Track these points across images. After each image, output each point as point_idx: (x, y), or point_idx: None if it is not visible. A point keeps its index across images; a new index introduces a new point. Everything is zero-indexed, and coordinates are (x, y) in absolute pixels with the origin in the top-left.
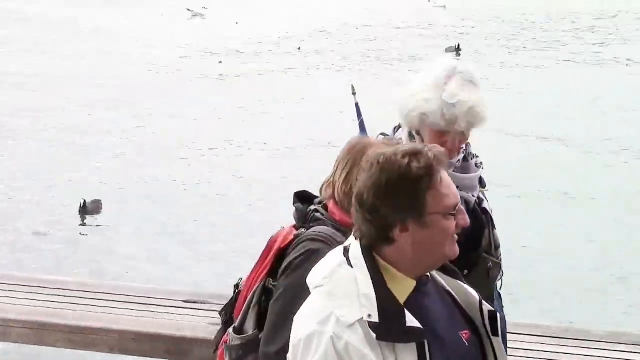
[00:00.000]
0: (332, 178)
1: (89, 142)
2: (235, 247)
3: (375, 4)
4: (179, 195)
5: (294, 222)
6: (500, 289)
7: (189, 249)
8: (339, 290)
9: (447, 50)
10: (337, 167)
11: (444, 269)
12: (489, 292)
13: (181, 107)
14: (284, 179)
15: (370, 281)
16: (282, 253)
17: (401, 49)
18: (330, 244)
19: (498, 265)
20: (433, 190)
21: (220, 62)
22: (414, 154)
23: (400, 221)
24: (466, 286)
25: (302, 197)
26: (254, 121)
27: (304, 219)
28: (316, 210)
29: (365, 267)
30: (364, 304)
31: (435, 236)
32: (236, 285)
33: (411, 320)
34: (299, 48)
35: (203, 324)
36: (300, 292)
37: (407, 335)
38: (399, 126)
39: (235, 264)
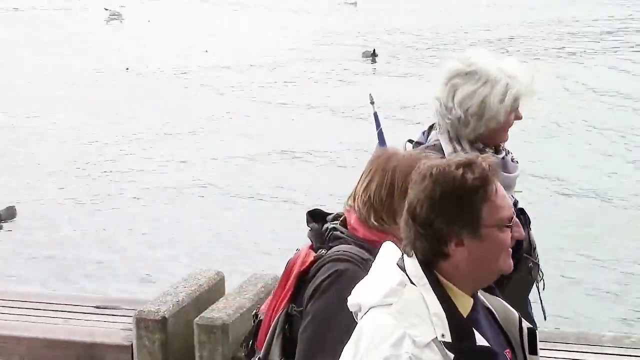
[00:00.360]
0: (355, 190)
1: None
2: (152, 254)
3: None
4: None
5: (309, 243)
6: (543, 290)
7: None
8: (409, 310)
9: (364, 55)
10: (361, 176)
11: None
12: (527, 294)
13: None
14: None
15: (437, 300)
16: (303, 277)
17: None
18: (357, 263)
19: (537, 266)
20: (488, 203)
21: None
22: (468, 165)
23: (455, 235)
24: (504, 303)
25: (315, 216)
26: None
27: (321, 239)
28: (334, 229)
29: (429, 285)
30: (437, 323)
31: (491, 250)
32: (255, 315)
33: (480, 340)
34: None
35: (116, 330)
36: (331, 317)
37: (480, 355)
38: (430, 129)
39: (151, 269)
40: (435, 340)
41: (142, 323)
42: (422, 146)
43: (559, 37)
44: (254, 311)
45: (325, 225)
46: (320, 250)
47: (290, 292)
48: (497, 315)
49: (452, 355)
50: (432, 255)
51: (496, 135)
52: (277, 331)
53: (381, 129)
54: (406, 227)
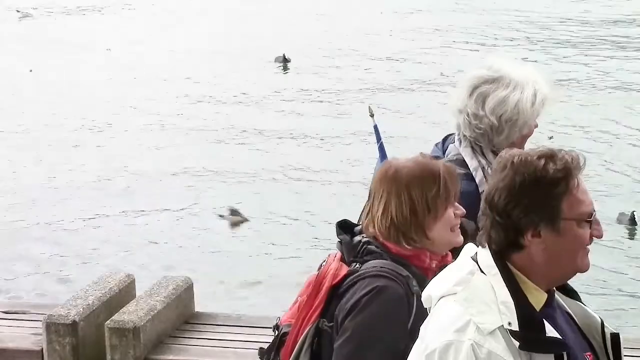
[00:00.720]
0: (369, 214)
1: None
2: (59, 258)
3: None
4: None
5: (335, 255)
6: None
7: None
8: (477, 297)
9: (276, 60)
10: (373, 200)
11: (563, 289)
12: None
13: None
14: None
15: (507, 289)
16: (334, 291)
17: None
18: (396, 279)
19: None
20: (569, 196)
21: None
22: (550, 157)
23: (532, 226)
24: (587, 308)
25: (344, 227)
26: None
27: (354, 252)
28: (369, 243)
29: (500, 275)
30: (504, 312)
31: (568, 245)
32: (276, 327)
33: (550, 331)
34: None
35: (26, 335)
36: (372, 334)
37: (548, 346)
38: (445, 139)
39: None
40: (500, 328)
41: (52, 327)
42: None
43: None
44: (275, 323)
45: (357, 238)
46: (354, 265)
47: (321, 306)
48: (577, 320)
49: (517, 344)
50: (506, 246)
51: (522, 143)
52: (305, 346)
53: (382, 142)
54: (483, 216)
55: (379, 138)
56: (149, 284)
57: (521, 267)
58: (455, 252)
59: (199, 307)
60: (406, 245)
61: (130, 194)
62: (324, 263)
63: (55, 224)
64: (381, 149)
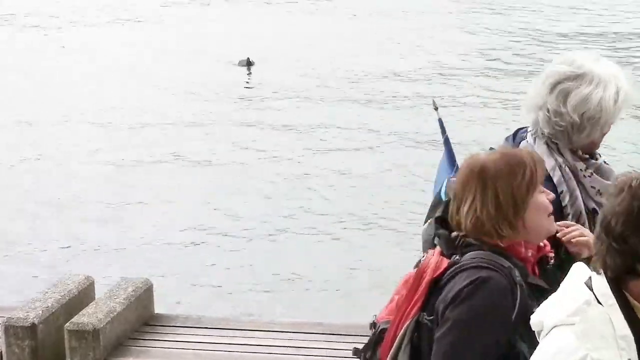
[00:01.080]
0: (459, 211)
1: None
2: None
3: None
4: None
5: (434, 250)
6: None
7: None
8: (594, 331)
9: (240, 64)
10: (461, 196)
11: None
12: None
13: None
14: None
15: (625, 321)
16: (435, 284)
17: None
18: (499, 270)
19: None
20: None
21: None
22: None
23: None
24: None
25: (441, 222)
26: None
27: (452, 245)
28: (465, 236)
29: (617, 306)
30: (623, 347)
31: None
32: (373, 324)
33: None
34: None
35: None
36: (476, 325)
37: None
38: (516, 134)
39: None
40: None
41: (10, 330)
42: None
43: None
44: (372, 320)
45: (455, 233)
46: (454, 257)
47: (422, 300)
48: None
49: None
50: (623, 273)
51: (600, 141)
52: (405, 341)
53: (447, 135)
54: (597, 241)
55: (443, 131)
56: (108, 286)
57: (639, 295)
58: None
59: (159, 308)
60: (500, 239)
61: (88, 197)
62: (423, 259)
63: (10, 226)
64: (446, 142)
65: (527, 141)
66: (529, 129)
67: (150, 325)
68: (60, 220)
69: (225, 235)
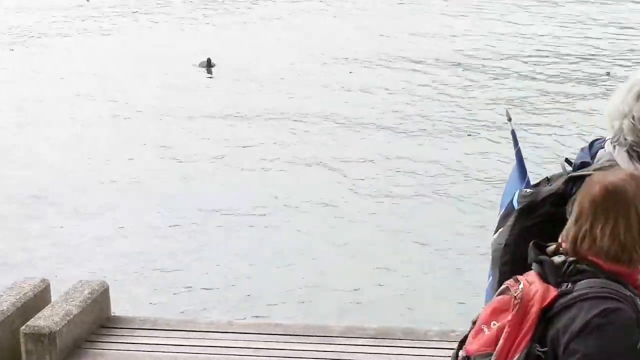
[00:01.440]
0: (589, 232)
1: None
2: None
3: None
4: None
5: (527, 277)
6: None
7: None
8: None
9: (200, 65)
10: (589, 220)
11: None
12: None
13: None
14: None
15: None
16: (544, 314)
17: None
18: (622, 300)
19: None
20: None
21: None
22: None
23: None
24: None
25: (538, 247)
26: None
27: (559, 272)
28: (576, 262)
29: None
30: None
31: None
32: (467, 358)
33: None
34: None
35: None
36: (604, 357)
37: None
38: (592, 145)
39: None
40: None
41: None
42: (591, 167)
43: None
44: (462, 355)
45: (559, 259)
46: (565, 285)
47: (532, 331)
48: None
49: None
50: None
51: None
52: None
53: (519, 147)
54: None
55: (516, 143)
56: (64, 289)
57: None
58: None
59: (116, 311)
60: (629, 265)
61: (45, 199)
62: (514, 287)
63: None
64: (518, 154)
65: (606, 149)
66: (607, 138)
67: (107, 327)
68: (15, 221)
69: (182, 235)
